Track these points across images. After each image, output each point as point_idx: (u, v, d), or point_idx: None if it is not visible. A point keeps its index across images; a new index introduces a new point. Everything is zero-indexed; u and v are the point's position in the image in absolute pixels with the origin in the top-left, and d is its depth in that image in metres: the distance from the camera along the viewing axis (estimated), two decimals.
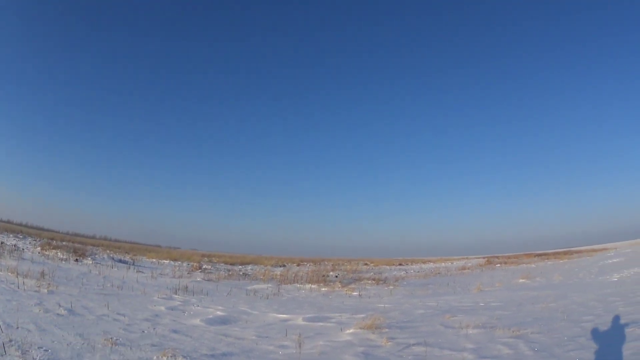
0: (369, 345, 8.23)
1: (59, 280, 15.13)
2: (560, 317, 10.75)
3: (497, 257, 69.63)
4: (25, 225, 74.33)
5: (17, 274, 14.16)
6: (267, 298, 15.87)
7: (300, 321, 10.95)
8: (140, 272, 22.63)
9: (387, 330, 9.57)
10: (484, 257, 69.97)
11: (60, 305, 10.37)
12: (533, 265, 39.77)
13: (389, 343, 8.34)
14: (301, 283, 21.63)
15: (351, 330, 9.47)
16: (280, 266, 38.16)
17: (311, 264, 44.67)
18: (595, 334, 8.77)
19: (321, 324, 10.63)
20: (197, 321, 10.28)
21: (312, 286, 20.57)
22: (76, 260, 23.93)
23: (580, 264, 36.42)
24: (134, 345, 7.44)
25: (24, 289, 12.27)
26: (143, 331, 8.78)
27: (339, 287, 20.46)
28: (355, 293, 18.53)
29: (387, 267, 45.99)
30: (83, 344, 7.25)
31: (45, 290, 12.45)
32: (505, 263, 46.81)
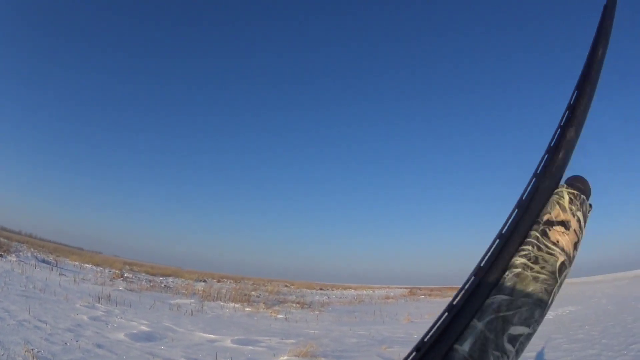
0: None
1: None
2: None
3: (420, 288, 70.67)
4: None
5: None
6: (192, 314, 15.53)
7: (228, 343, 10.68)
8: (63, 275, 21.66)
9: (322, 359, 9.47)
10: (406, 288, 70.87)
11: None
12: None
13: None
14: (224, 301, 21.31)
15: (285, 358, 9.29)
16: (202, 281, 37.51)
17: (232, 281, 44.16)
18: None
19: (251, 347, 10.38)
20: (121, 335, 9.88)
21: (236, 305, 20.30)
22: (0, 255, 22.92)
23: None
24: None
25: None
26: (66, 343, 8.35)
27: (264, 309, 20.21)
28: (280, 316, 18.37)
29: (308, 290, 45.88)
30: (2, 354, 6.89)
31: None
32: (430, 295, 47.66)
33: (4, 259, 22.30)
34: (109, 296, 15.92)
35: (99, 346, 8.59)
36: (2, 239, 34.53)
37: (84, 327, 10.24)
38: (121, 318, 12.40)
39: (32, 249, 34.66)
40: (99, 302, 14.55)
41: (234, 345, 10.46)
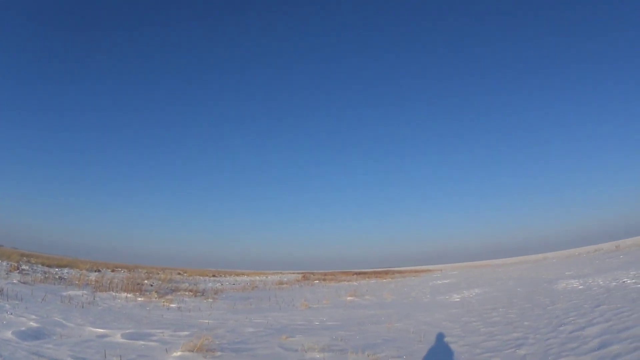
0: None
1: None
2: (415, 339, 10.79)
3: (313, 273, 71.28)
4: None
5: None
6: (83, 307, 14.95)
7: (119, 338, 10.33)
8: None
9: (219, 353, 9.11)
10: (299, 273, 71.40)
11: None
12: (355, 283, 41.26)
13: None
14: (117, 291, 20.59)
15: (178, 354, 8.94)
16: (96, 271, 36.11)
17: (125, 270, 42.90)
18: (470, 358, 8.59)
19: (142, 342, 10.04)
20: (9, 334, 9.34)
21: (128, 295, 19.70)
22: None
23: (407, 284, 38.12)
24: None
25: None
26: None
27: (156, 298, 19.86)
28: (173, 305, 18.11)
29: (202, 277, 45.75)
30: None
31: None
32: (324, 280, 48.13)
33: None
34: (2, 290, 15.09)
35: None
36: None
37: None
38: (11, 314, 11.71)
39: None
40: None
41: (125, 340, 10.12)
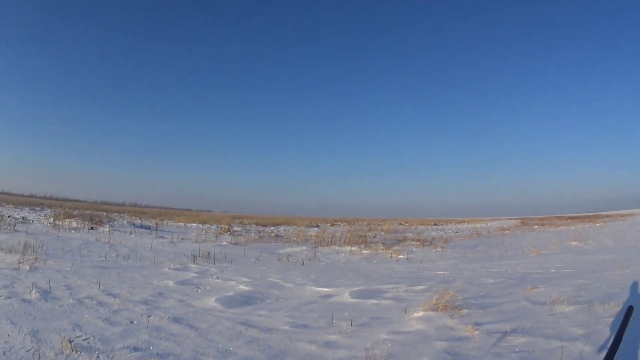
0: (452, 338, 5.58)
1: (52, 253, 12.86)
2: None
3: (530, 218, 68.76)
4: (49, 198, 72.40)
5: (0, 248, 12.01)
6: (303, 264, 13.51)
7: (347, 297, 8.42)
8: (161, 237, 20.26)
9: (465, 311, 6.92)
10: (517, 218, 68.60)
11: (34, 287, 8.06)
12: (572, 228, 37.76)
13: (476, 332, 5.75)
14: (339, 245, 19.39)
15: (420, 314, 6.78)
16: (314, 226, 36.31)
17: (345, 224, 42.93)
18: None
19: (374, 301, 8.03)
20: (211, 301, 7.76)
21: (352, 248, 18.38)
22: (91, 228, 21.68)
23: (618, 228, 34.77)
24: (103, 352, 4.90)
25: (1, 267, 10.02)
26: (132, 322, 6.23)
27: (382, 250, 18.20)
28: (402, 256, 16.36)
29: (423, 227, 44.16)
30: (28, 350, 4.87)
31: (27, 267, 10.16)
32: (542, 225, 45.09)
33: (95, 231, 21.08)
34: (208, 254, 14.15)
35: (177, 320, 6.45)
36: (99, 212, 34.03)
37: (166, 296, 8.22)
38: (217, 278, 10.41)
39: (132, 217, 34.56)
40: (193, 263, 12.71)
41: (354, 300, 8.19)
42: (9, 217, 23.69)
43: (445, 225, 50.45)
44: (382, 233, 29.17)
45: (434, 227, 44.97)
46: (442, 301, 7.02)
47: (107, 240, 17.07)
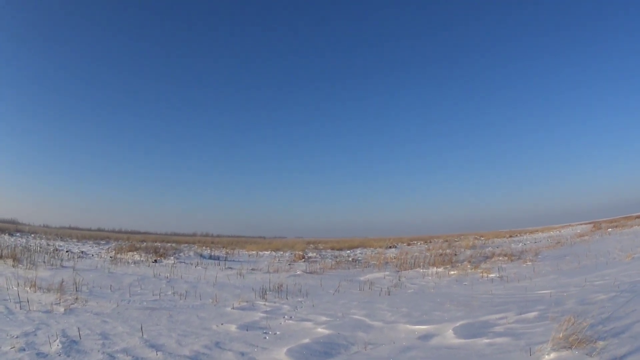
0: None
1: (98, 292, 11.56)
2: None
3: (600, 221, 65.49)
4: (118, 231, 72.45)
5: (37, 287, 10.73)
6: (389, 293, 11.66)
7: (451, 337, 6.66)
8: (229, 268, 18.63)
9: (601, 343, 5.44)
10: (587, 223, 65.58)
11: (61, 335, 6.71)
12: None
13: None
14: (424, 267, 17.55)
15: (552, 356, 5.29)
16: (391, 247, 34.70)
17: (422, 242, 41.23)
18: None
19: (486, 340, 6.30)
20: (282, 353, 5.99)
21: (438, 270, 16.66)
22: (154, 261, 20.33)
23: None
24: None
25: (30, 309, 8.71)
26: None
27: (471, 269, 16.53)
28: (493, 275, 14.77)
29: (499, 239, 41.74)
30: None
31: (62, 309, 8.83)
32: (616, 227, 42.26)
33: (158, 264, 19.60)
34: (280, 286, 12.55)
35: None
36: (167, 244, 33.03)
37: (224, 347, 6.55)
38: (290, 318, 8.70)
39: (203, 247, 33.42)
40: (263, 298, 11.05)
41: (461, 340, 6.49)
42: (67, 251, 22.66)
43: (520, 236, 47.96)
44: (463, 250, 27.11)
45: (510, 239, 42.50)
46: (570, 333, 5.56)
47: (167, 274, 15.57)
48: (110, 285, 12.39)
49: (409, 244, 38.11)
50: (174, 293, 11.70)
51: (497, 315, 7.88)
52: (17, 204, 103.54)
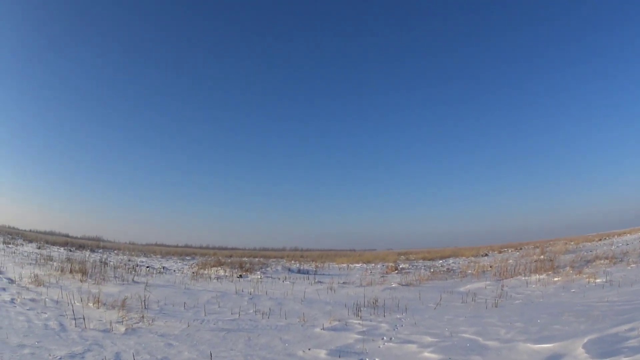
0: None
1: (169, 309, 10.80)
2: None
3: None
4: (205, 247, 72.85)
5: (101, 303, 10.23)
6: (496, 306, 10.71)
7: (583, 357, 5.73)
8: (319, 282, 17.93)
9: None
10: None
11: (115, 358, 6.28)
12: None
13: None
14: (525, 274, 16.51)
15: None
16: (483, 255, 33.71)
17: (512, 249, 39.77)
18: None
19: (626, 359, 5.35)
20: None
21: (540, 277, 15.66)
22: (240, 276, 19.85)
23: None
24: None
25: (85, 327, 8.19)
26: None
27: (575, 275, 15.40)
28: (600, 280, 13.80)
29: (589, 243, 39.15)
30: None
31: (123, 329, 8.25)
32: None
33: (244, 279, 19.04)
34: (376, 301, 11.50)
35: None
36: (253, 259, 32.69)
37: None
38: (390, 340, 7.70)
39: (290, 262, 32.88)
40: (357, 316, 10.05)
41: None
42: (147, 267, 22.39)
43: (609, 238, 44.14)
44: (557, 255, 25.39)
45: (600, 242, 39.85)
46: None
47: (250, 290, 14.66)
48: (184, 303, 11.58)
49: (500, 252, 36.89)
50: (255, 311, 10.75)
51: (625, 327, 6.89)
52: (102, 221, 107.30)
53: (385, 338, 7.79)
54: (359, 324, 9.12)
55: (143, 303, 10.64)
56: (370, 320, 9.46)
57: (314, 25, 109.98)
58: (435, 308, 10.90)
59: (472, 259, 29.08)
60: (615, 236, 51.34)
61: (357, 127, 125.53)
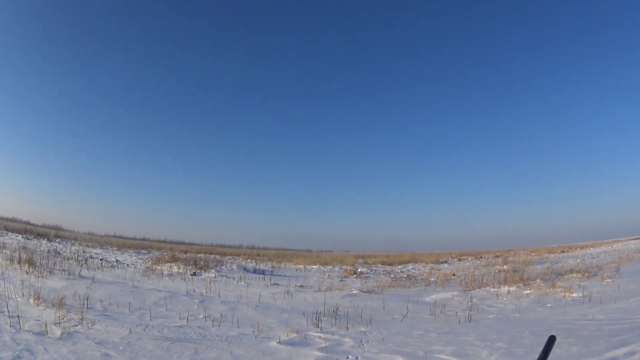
0: None
1: (113, 310, 9.62)
2: None
3: None
4: (162, 241, 71.47)
5: (41, 300, 9.04)
6: (469, 320, 9.81)
7: None
8: (275, 284, 16.96)
9: None
10: (636, 238, 64.23)
11: None
12: None
13: None
14: (494, 286, 15.83)
15: None
16: (442, 262, 33.82)
17: (472, 257, 40.20)
18: None
19: None
20: None
21: (510, 288, 15.06)
22: (193, 274, 18.78)
23: None
24: None
25: (21, 328, 7.02)
26: None
27: (548, 288, 14.82)
28: (575, 294, 13.31)
29: (553, 255, 40.90)
30: None
31: (58, 333, 7.05)
32: None
33: (197, 277, 18.16)
34: (337, 309, 10.44)
35: None
36: (211, 256, 31.90)
37: None
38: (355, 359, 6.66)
39: (246, 260, 32.12)
40: (316, 327, 8.93)
41: None
42: (101, 260, 21.27)
43: (572, 251, 47.17)
44: (521, 266, 25.28)
45: (563, 254, 41.64)
46: None
47: (202, 291, 13.59)
48: (130, 304, 10.28)
49: (459, 259, 37.42)
50: (206, 317, 9.56)
51: (622, 350, 6.35)
52: (64, 211, 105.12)
53: (350, 357, 6.68)
54: (320, 337, 7.97)
55: (85, 302, 9.26)
56: (332, 334, 8.34)
57: (311, 25, 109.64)
58: (402, 320, 9.95)
59: (432, 265, 29.34)
60: (578, 249, 52.84)
61: (323, 129, 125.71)
